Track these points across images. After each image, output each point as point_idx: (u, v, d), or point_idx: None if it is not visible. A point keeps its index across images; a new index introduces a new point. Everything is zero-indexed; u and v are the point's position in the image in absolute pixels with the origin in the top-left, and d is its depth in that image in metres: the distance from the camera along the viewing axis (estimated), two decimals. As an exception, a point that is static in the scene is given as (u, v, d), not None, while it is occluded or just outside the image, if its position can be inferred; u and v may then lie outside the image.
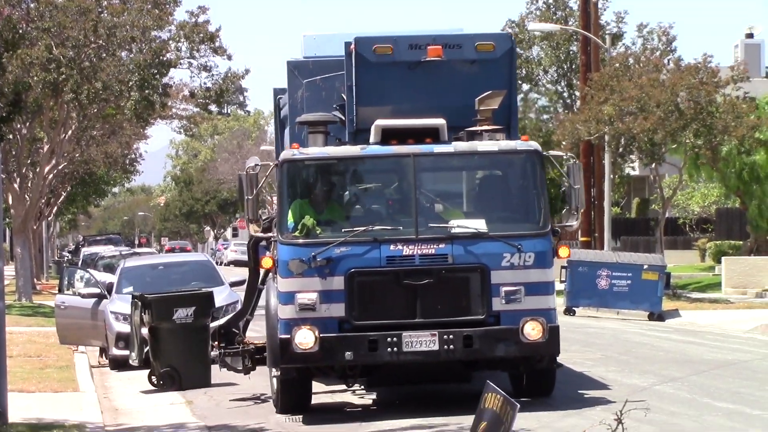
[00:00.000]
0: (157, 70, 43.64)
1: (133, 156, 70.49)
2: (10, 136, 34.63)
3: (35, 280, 55.98)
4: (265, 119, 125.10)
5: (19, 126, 41.19)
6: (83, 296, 31.60)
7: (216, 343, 23.20)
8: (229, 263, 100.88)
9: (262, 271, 22.62)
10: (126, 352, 27.90)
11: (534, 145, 20.08)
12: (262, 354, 22.07)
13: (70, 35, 40.98)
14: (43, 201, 56.06)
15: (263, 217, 22.32)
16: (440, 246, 18.92)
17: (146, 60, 42.94)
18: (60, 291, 35.70)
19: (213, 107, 53.86)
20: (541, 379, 20.58)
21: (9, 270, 46.24)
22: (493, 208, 20.44)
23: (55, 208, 67.22)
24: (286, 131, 24.14)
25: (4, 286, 20.55)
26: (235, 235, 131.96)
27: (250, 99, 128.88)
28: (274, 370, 20.36)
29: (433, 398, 21.93)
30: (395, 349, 18.59)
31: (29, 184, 50.50)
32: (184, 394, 24.23)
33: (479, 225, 19.38)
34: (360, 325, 18.74)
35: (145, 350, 25.72)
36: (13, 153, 46.18)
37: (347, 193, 20.72)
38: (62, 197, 65.38)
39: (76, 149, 52.46)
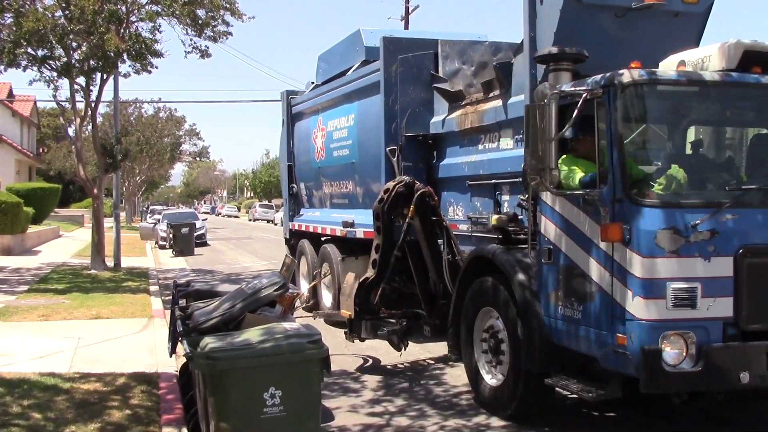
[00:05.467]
0: (176, 145, 42.51)
1: (168, 174, 68.16)
2: (122, 165, 33.18)
3: (132, 217, 54.03)
4: (217, 162, 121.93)
5: (126, 163, 39.16)
6: (149, 223, 30.86)
7: (354, 309, 7.27)
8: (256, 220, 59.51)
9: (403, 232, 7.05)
10: (164, 244, 27.16)
11: None
12: (407, 327, 7.13)
13: (144, 132, 39.52)
14: (136, 189, 53.80)
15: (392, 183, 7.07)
16: None
17: (172, 142, 41.86)
18: (141, 221, 35.05)
19: (198, 159, 52.50)
20: None
21: (122, 214, 44.36)
22: None
23: (141, 191, 63.97)
24: (297, 124, 11.67)
25: (120, 219, 20.36)
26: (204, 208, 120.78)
27: (211, 155, 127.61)
28: (505, 355, 5.42)
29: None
30: None
31: (131, 183, 48.14)
32: (185, 258, 23.16)
33: None
34: (752, 330, 3.84)
35: (171, 243, 25.00)
36: (126, 172, 43.62)
37: (710, 134, 4.67)
38: (143, 188, 62.12)
39: (148, 171, 50.20)
